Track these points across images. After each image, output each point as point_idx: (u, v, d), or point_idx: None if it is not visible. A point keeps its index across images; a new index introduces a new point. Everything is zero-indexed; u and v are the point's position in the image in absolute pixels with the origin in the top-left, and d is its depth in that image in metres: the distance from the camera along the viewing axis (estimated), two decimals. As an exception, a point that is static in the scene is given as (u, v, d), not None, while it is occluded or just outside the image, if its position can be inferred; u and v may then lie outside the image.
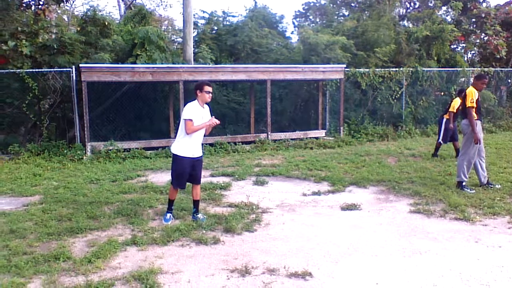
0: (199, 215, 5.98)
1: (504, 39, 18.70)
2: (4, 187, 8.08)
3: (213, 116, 5.83)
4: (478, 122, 7.54)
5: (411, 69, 15.91)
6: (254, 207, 6.58)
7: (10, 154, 10.94)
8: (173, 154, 5.86)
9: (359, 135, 13.89)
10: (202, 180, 8.20)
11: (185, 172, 5.80)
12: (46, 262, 4.56)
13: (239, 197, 7.13)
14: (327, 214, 6.38)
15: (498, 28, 18.90)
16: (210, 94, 5.77)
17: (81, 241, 5.22)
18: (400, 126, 15.15)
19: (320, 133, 14.00)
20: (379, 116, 15.34)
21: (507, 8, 20.87)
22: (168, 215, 5.99)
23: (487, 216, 6.14)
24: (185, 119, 5.65)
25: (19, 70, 11.74)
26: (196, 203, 6.05)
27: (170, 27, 28.69)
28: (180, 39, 21.62)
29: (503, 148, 11.77)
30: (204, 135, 5.95)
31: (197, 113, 5.70)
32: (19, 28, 12.17)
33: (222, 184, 7.95)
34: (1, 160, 10.51)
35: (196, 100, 5.78)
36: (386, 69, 15.59)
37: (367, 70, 15.28)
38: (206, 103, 5.85)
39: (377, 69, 15.47)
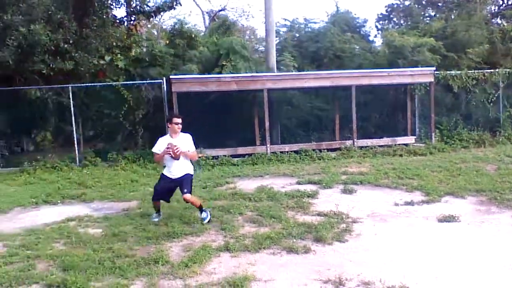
0: (204, 213, 6.38)
1: None
2: (105, 192, 8.69)
3: (172, 145, 6.18)
4: None
5: (508, 70, 14.82)
6: (343, 216, 6.44)
7: (109, 162, 11.73)
8: None
9: (452, 141, 13.16)
10: (289, 187, 8.43)
11: (163, 187, 6.45)
12: (146, 265, 4.79)
13: (327, 205, 7.03)
14: (422, 225, 6.08)
15: None
16: (180, 125, 6.36)
17: (177, 246, 5.44)
18: (498, 131, 14.12)
19: (410, 139, 13.44)
20: (474, 120, 14.44)
21: None
22: (155, 215, 6.61)
23: None
24: (153, 151, 6.58)
25: (115, 83, 12.59)
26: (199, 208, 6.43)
27: (252, 37, 29.30)
28: (262, 48, 22.00)
29: None
30: (177, 159, 6.25)
31: (163, 145, 6.29)
32: (114, 43, 13.04)
33: (310, 192, 7.89)
34: (102, 167, 11.30)
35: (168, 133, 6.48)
36: (480, 71, 14.67)
37: (459, 72, 14.47)
38: (184, 132, 6.48)
39: (469, 71, 14.60)
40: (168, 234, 5.77)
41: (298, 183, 8.89)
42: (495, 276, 4.36)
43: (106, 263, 4.81)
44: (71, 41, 11.23)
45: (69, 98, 12.15)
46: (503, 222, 6.10)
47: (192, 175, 6.54)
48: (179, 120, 6.37)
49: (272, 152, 12.08)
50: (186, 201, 6.33)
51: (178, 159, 6.27)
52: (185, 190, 6.24)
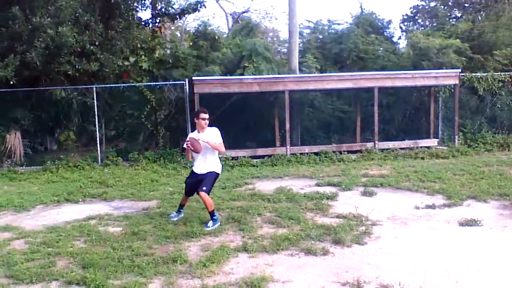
0: (210, 223, 6.20)
1: None
2: (126, 191, 8.80)
3: (191, 138, 6.27)
4: None
5: (536, 72, 14.42)
6: (363, 219, 6.37)
7: (130, 161, 11.89)
8: None
9: (476, 145, 12.88)
10: (308, 189, 8.40)
11: (189, 182, 6.52)
12: (165, 264, 4.83)
13: (346, 208, 6.97)
14: (443, 229, 5.97)
15: None
16: (206, 121, 6.34)
17: (196, 245, 5.47)
18: (524, 134, 13.75)
19: (432, 142, 13.24)
20: (499, 123, 14.11)
21: None
22: (174, 214, 6.70)
23: None
24: None
25: (138, 84, 12.75)
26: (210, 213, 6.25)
27: (275, 38, 29.31)
28: (284, 49, 21.99)
29: None
30: (197, 152, 6.25)
31: None
32: (139, 45, 13.21)
33: (329, 194, 7.83)
34: (123, 167, 11.47)
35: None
36: (506, 73, 14.31)
37: (485, 74, 14.16)
38: (211, 126, 6.44)
39: (496, 73, 14.27)
40: (187, 234, 5.81)
41: (318, 185, 8.84)
42: (518, 283, 4.25)
43: (125, 261, 4.88)
44: (96, 43, 11.42)
45: (93, 99, 12.35)
46: (527, 227, 5.96)
47: (217, 174, 6.45)
48: (206, 116, 6.35)
49: (291, 154, 12.04)
50: (200, 197, 6.24)
51: (198, 152, 6.24)
52: (204, 188, 6.18)
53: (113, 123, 14.48)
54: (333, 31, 19.13)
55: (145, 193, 8.61)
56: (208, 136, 6.31)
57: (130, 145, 13.74)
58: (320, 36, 19.10)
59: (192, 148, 6.20)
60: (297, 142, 13.50)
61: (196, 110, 6.56)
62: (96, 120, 12.47)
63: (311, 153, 12.09)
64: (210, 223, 6.18)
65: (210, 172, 6.32)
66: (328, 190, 8.23)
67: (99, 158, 12.20)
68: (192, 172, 6.53)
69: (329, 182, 8.97)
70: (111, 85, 12.77)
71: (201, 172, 6.33)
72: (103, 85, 12.62)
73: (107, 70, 11.76)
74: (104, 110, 13.39)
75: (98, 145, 12.40)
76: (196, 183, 6.35)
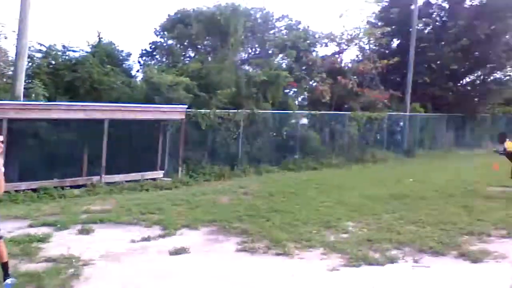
0: (8, 280, 5.18)
1: (328, 85, 21.00)
2: None
3: None
4: None
5: (248, 111, 16.85)
6: (74, 260, 6.14)
7: None
8: None
9: (197, 175, 14.07)
10: (18, 232, 7.60)
11: None
12: None
13: (59, 249, 6.57)
14: (155, 260, 6.32)
15: (324, 75, 21.24)
16: (1, 144, 5.12)
17: None
18: (236, 165, 15.74)
19: (158, 174, 13.80)
20: (218, 156, 15.79)
21: (332, 58, 23.65)
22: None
23: (304, 249, 6.76)
24: None
25: None
26: (3, 266, 5.28)
27: (3, 59, 26.07)
28: (11, 72, 19.82)
29: (324, 184, 13.05)
30: None
31: None
32: None
33: (41, 236, 7.23)
34: None
35: None
36: (225, 111, 16.24)
37: (208, 111, 15.74)
38: None
39: (217, 111, 16.01)
40: None
41: (30, 226, 8.03)
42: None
43: None
44: None
45: None
46: (227, 249, 6.87)
47: None
48: (0, 138, 5.04)
49: (5, 192, 10.66)
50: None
51: None
52: None
53: None
54: (67, 57, 18.29)
55: None
56: None
57: None
58: (53, 62, 17.97)
59: None
60: (14, 178, 12.07)
61: None
62: None
63: (28, 189, 10.96)
64: (9, 280, 5.12)
65: None
66: (41, 231, 7.60)
67: None
68: None
69: (44, 222, 8.26)
70: None
71: None
72: None
73: None
74: None
75: None
76: None
